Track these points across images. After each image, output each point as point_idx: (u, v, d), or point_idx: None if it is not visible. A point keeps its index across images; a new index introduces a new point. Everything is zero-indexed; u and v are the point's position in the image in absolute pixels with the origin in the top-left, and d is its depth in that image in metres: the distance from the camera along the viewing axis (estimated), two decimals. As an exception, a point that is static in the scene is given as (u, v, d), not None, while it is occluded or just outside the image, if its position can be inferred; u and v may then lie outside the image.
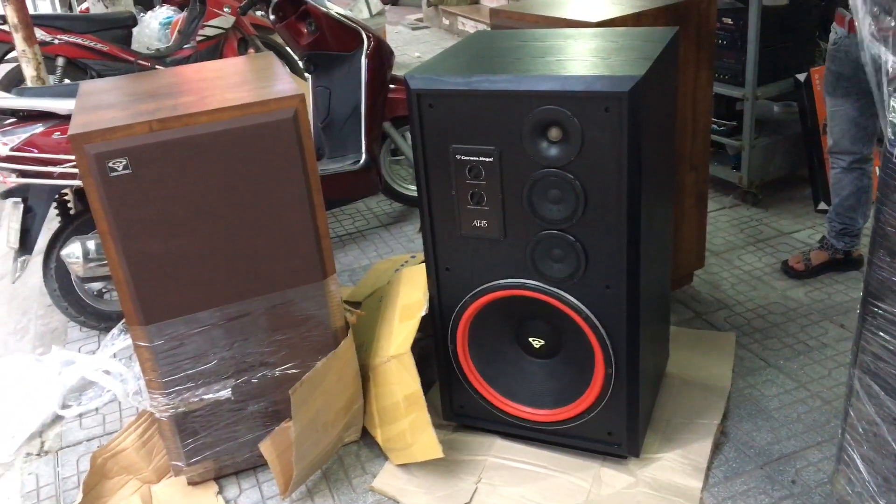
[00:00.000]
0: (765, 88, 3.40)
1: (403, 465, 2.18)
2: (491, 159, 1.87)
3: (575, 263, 1.89)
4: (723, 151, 3.65)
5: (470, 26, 7.55)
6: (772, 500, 2.00)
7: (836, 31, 2.67)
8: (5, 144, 2.62)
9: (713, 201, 2.81)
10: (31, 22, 3.26)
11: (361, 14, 5.88)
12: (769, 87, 3.43)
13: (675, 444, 2.18)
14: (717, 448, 2.17)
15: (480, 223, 1.96)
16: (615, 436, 2.08)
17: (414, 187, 3.84)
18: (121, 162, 1.79)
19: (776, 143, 3.54)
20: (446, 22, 8.17)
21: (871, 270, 1.45)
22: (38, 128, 2.67)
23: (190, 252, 1.93)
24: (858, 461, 1.59)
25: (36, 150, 2.64)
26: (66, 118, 2.66)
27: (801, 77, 3.36)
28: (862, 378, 1.53)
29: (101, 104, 2.01)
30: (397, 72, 3.59)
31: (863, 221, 2.88)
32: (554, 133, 1.78)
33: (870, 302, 1.47)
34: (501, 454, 2.21)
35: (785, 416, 2.28)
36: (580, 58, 1.89)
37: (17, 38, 3.19)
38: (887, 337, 1.45)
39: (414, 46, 7.50)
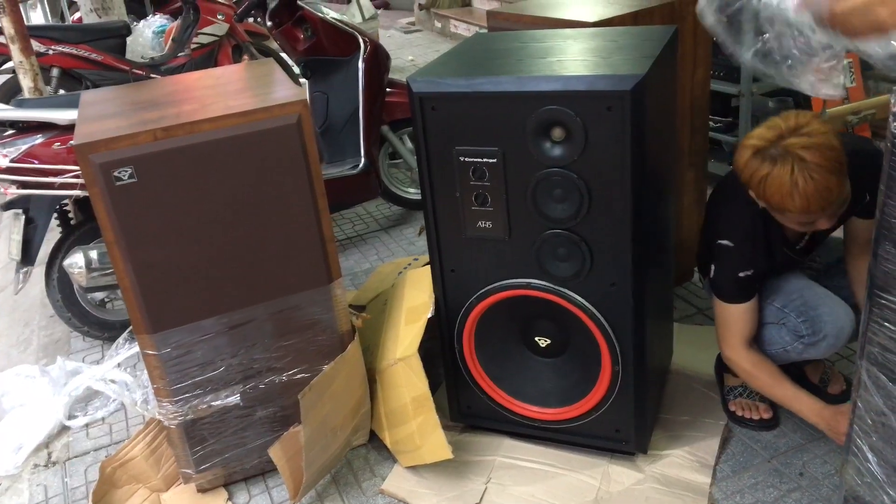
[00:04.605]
0: (760, 84, 3.42)
1: (412, 468, 2.19)
2: (494, 160, 1.88)
3: (580, 262, 1.90)
4: (719, 148, 3.67)
5: (462, 29, 7.57)
6: (780, 493, 2.01)
7: None
8: (5, 156, 2.61)
9: (712, 198, 2.81)
10: (27, 33, 3.26)
11: (354, 18, 5.91)
12: (764, 83, 3.45)
13: (683, 441, 2.19)
14: (723, 444, 2.18)
15: (485, 224, 1.97)
16: (623, 433, 2.09)
17: (413, 190, 3.85)
18: (126, 171, 1.79)
19: (772, 138, 3.55)
20: (438, 25, 8.19)
21: (877, 262, 1.46)
22: (38, 139, 2.66)
23: (196, 259, 1.94)
24: (867, 452, 1.60)
25: (36, 161, 2.63)
26: (66, 129, 2.66)
27: (796, 72, 3.37)
28: (870, 369, 1.54)
29: (103, 114, 2.01)
30: (392, 76, 3.61)
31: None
32: (557, 133, 1.79)
33: (876, 293, 1.48)
34: (510, 454, 2.21)
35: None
36: (581, 57, 1.90)
37: (14, 50, 3.19)
38: (894, 328, 1.46)
39: (407, 50, 7.51)
